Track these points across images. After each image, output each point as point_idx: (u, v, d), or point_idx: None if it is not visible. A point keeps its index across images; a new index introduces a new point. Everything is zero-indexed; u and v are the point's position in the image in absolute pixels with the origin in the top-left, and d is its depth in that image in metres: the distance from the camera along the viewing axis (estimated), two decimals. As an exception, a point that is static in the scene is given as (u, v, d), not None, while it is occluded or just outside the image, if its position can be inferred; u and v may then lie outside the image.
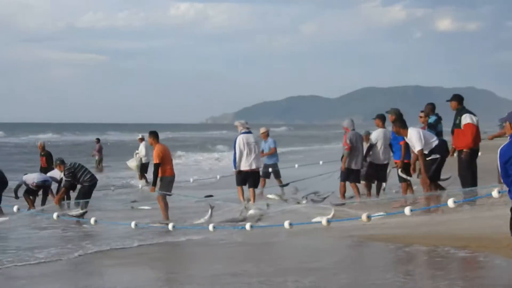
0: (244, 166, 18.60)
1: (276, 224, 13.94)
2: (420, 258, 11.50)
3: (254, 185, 18.97)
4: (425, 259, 11.36)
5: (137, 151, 28.20)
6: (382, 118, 18.34)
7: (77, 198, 18.88)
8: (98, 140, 41.49)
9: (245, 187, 18.95)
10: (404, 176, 17.24)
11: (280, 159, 23.93)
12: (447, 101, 16.53)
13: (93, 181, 19.08)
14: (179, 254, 13.72)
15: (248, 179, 18.79)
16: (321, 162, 25.66)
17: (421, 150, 15.55)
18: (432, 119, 17.67)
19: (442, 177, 16.23)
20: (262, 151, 22.22)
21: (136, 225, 15.25)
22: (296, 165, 26.73)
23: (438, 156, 15.75)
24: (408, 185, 17.55)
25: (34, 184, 21.17)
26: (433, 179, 15.76)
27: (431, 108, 17.95)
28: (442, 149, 15.96)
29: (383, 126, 18.38)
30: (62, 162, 19.34)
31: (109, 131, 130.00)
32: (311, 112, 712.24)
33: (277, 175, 23.18)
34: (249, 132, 18.87)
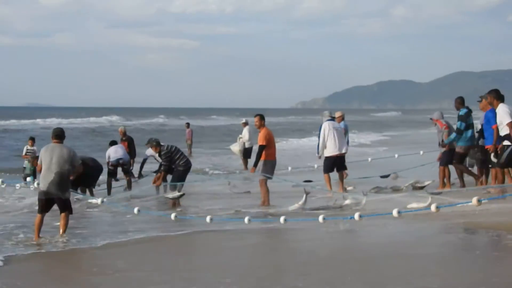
0: (332, 151, 19.03)
1: (384, 213, 13.31)
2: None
3: (343, 168, 19.37)
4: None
5: (240, 136, 28.02)
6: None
7: (172, 181, 18.81)
8: (188, 124, 41.25)
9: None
10: (496, 160, 16.68)
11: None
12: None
13: (187, 166, 18.97)
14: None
15: (336, 163, 19.16)
16: (421, 152, 25.05)
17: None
18: (462, 111, 17.92)
19: None
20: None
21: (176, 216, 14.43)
22: (396, 155, 26.07)
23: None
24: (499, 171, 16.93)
25: (110, 163, 21.65)
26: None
27: (460, 102, 18.18)
28: None
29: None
30: (158, 144, 19.00)
31: (210, 115, 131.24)
32: (402, 97, 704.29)
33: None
34: (333, 119, 19.81)
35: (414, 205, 14.42)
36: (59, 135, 13.98)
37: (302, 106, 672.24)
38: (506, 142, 15.53)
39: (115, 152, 21.74)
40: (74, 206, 17.24)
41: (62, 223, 13.75)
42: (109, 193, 20.84)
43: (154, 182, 20.14)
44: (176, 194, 18.08)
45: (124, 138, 24.15)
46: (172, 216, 14.05)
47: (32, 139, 24.84)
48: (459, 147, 18.04)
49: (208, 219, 13.54)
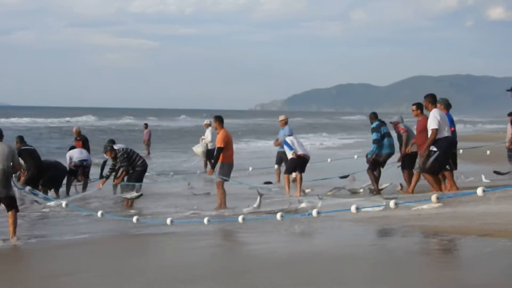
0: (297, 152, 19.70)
1: (342, 209, 13.19)
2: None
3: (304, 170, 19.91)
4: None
5: (203, 137, 28.00)
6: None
7: (129, 182, 18.89)
8: (146, 125, 41.28)
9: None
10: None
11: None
12: (508, 90, 16.59)
13: (144, 166, 19.19)
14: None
15: (299, 165, 19.77)
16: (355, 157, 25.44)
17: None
18: (374, 124, 19.35)
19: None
20: (277, 139, 22.55)
21: (172, 221, 14.41)
22: (356, 156, 26.27)
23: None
24: (450, 174, 17.20)
25: (73, 163, 21.72)
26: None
27: (373, 117, 19.54)
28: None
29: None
30: (112, 148, 19.09)
31: (157, 116, 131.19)
32: (361, 100, 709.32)
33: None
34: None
35: (368, 209, 14.51)
36: None
37: (261, 108, 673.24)
38: (433, 148, 16.02)
39: (80, 153, 22.04)
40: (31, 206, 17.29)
41: (10, 222, 13.73)
42: (68, 192, 21.14)
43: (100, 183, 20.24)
44: (134, 194, 18.20)
45: (78, 138, 23.99)
46: (134, 219, 14.03)
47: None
48: (378, 156, 19.07)
49: (168, 221, 13.58)
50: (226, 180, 17.69)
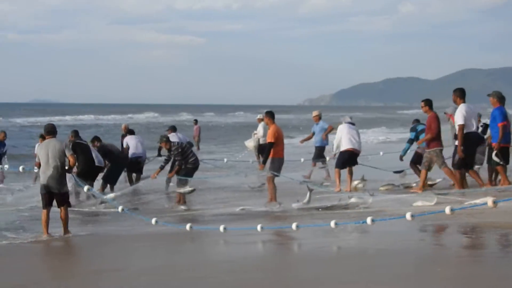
0: (347, 146, 19.35)
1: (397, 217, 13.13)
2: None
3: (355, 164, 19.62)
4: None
5: (255, 131, 27.90)
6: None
7: (179, 180, 18.82)
8: (196, 121, 41.41)
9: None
10: (497, 159, 16.70)
11: None
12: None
13: (196, 164, 19.04)
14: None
15: (350, 159, 19.42)
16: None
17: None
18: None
19: None
20: (313, 133, 23.60)
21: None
22: (381, 153, 25.98)
23: None
24: (502, 169, 16.98)
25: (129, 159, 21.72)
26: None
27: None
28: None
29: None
30: (168, 140, 19.04)
31: (207, 112, 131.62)
32: (410, 94, 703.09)
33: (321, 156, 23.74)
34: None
35: (419, 203, 14.49)
36: (50, 130, 14.58)
37: (310, 103, 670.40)
38: (457, 143, 16.34)
39: (136, 148, 21.98)
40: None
41: (62, 217, 14.09)
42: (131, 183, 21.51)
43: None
44: (188, 189, 18.15)
45: (127, 135, 24.01)
46: (188, 227, 13.49)
47: (43, 137, 24.77)
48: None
49: (221, 228, 12.75)
50: (276, 176, 17.64)
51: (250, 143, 27.63)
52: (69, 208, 14.37)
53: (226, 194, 20.08)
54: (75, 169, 18.80)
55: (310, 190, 16.66)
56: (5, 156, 23.77)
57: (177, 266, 10.94)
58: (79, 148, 19.38)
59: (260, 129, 27.09)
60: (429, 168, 17.80)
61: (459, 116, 16.31)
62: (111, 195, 18.64)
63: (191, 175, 18.90)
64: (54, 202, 14.21)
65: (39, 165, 14.38)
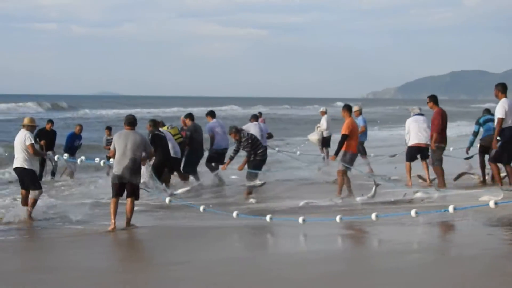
0: (414, 141, 19.20)
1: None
2: None
3: (426, 157, 19.30)
4: None
5: (318, 125, 27.87)
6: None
7: (248, 174, 18.76)
8: (260, 114, 41.10)
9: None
10: None
11: None
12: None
13: (264, 157, 19.00)
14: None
15: (419, 153, 19.30)
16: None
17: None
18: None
19: None
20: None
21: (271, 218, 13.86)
22: (451, 148, 25.59)
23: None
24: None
25: (214, 150, 21.31)
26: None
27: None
28: None
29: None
30: (237, 130, 18.96)
31: (272, 105, 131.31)
32: (475, 87, 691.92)
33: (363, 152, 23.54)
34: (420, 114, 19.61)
35: (485, 198, 14.44)
36: (132, 122, 14.61)
37: (374, 96, 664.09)
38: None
39: (222, 140, 21.35)
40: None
41: (128, 208, 14.25)
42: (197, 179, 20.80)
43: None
44: (258, 182, 18.29)
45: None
46: (268, 218, 13.64)
47: (109, 129, 25.55)
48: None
49: (300, 220, 13.08)
50: (348, 169, 17.63)
51: (314, 137, 27.68)
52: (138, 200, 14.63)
53: (293, 187, 20.01)
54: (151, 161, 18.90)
55: (376, 185, 16.67)
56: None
57: (254, 259, 11.27)
58: (158, 139, 19.40)
59: (323, 122, 27.14)
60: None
61: (499, 109, 16.34)
62: (183, 189, 18.81)
63: (259, 168, 18.86)
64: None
65: (113, 155, 14.54)
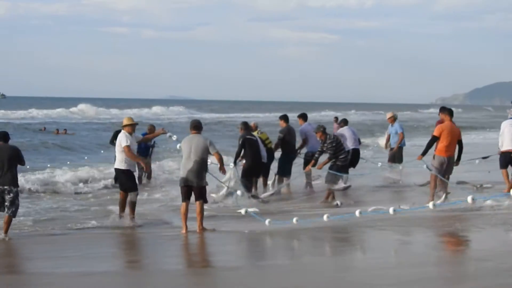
0: (506, 147, 18.21)
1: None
2: None
3: None
4: None
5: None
6: None
7: (330, 175, 18.54)
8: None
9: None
10: None
11: None
12: None
13: (345, 162, 18.75)
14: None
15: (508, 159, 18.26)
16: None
17: None
18: None
19: None
20: (389, 134, 23.69)
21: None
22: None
23: None
24: None
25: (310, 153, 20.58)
26: None
27: None
28: None
29: None
30: (325, 130, 18.75)
31: (349, 110, 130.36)
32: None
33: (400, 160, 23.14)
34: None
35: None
36: (197, 126, 14.88)
37: (442, 102, 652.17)
38: None
39: (317, 142, 19.71)
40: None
41: (197, 211, 14.45)
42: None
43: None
44: (342, 185, 18.36)
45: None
46: (357, 212, 14.01)
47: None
48: None
49: (391, 210, 13.70)
50: (438, 176, 17.17)
51: (384, 141, 27.35)
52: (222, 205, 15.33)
53: (375, 192, 20.41)
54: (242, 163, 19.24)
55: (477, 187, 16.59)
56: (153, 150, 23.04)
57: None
58: (248, 143, 19.25)
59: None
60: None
61: None
62: (267, 193, 19.16)
63: (342, 171, 18.58)
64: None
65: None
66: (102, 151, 32.26)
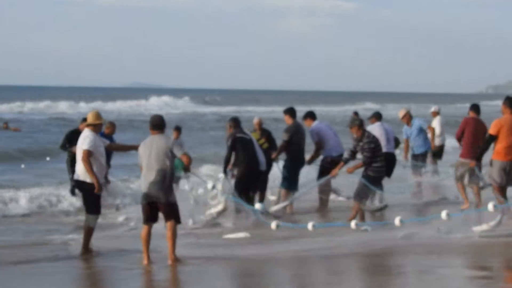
0: None
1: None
2: None
3: None
4: None
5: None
6: None
7: (361, 187, 14.72)
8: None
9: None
10: None
11: None
12: None
13: (379, 174, 14.73)
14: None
15: None
16: None
17: None
18: None
19: None
20: (407, 138, 19.47)
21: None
22: None
23: None
24: None
25: (329, 158, 16.65)
26: None
27: None
28: None
29: None
30: (361, 125, 14.81)
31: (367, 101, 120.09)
32: None
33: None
34: None
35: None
36: (157, 124, 11.66)
37: (494, 90, 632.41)
38: None
39: (337, 144, 16.75)
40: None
41: (168, 235, 11.53)
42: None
43: None
44: (376, 205, 15.97)
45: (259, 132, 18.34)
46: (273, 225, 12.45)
47: (178, 129, 19.60)
48: None
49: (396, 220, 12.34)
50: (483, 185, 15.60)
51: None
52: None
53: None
54: (235, 172, 15.85)
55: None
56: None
57: None
58: (239, 143, 15.53)
59: (436, 125, 22.14)
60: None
61: None
62: (279, 205, 15.86)
63: (374, 184, 14.70)
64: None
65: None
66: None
